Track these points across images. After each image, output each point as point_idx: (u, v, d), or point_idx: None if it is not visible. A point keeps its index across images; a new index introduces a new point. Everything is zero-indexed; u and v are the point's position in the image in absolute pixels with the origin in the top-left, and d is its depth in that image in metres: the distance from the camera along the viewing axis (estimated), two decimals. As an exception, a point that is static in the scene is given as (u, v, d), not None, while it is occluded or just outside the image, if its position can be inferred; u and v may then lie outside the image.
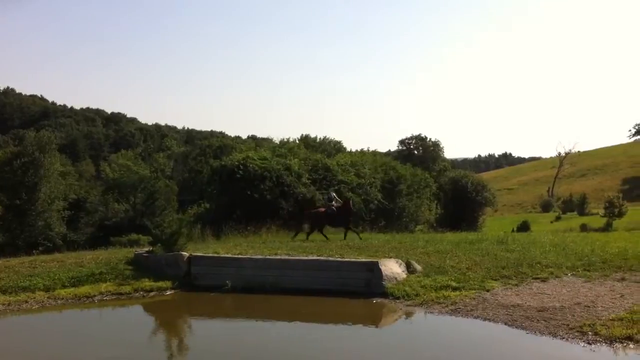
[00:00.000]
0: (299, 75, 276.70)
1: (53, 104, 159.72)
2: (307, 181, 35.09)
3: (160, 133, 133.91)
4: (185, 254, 14.59)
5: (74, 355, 9.47)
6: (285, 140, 51.24)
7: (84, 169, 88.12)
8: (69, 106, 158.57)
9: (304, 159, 38.03)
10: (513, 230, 38.73)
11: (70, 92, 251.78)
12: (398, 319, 11.31)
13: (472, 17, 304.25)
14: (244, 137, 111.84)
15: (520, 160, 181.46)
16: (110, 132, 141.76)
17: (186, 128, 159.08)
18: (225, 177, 34.46)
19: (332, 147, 68.67)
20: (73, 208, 48.14)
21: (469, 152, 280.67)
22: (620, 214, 50.45)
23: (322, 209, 20.33)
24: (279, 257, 14.37)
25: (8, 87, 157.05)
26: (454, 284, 12.20)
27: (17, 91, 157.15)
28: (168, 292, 13.54)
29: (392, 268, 13.08)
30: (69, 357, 9.43)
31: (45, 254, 21.06)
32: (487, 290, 11.74)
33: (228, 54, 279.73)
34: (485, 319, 10.09)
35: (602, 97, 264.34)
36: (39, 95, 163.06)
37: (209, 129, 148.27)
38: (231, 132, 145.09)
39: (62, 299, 12.86)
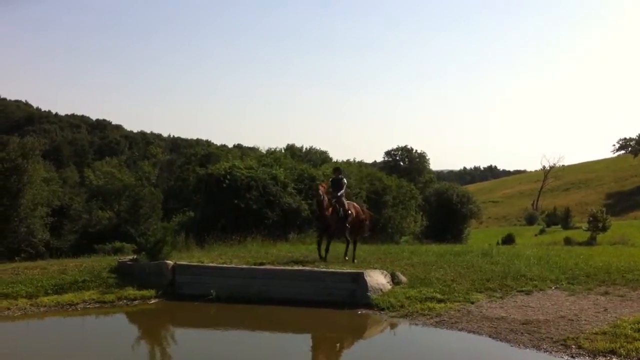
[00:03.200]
0: (286, 84, 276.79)
1: (38, 109, 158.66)
2: (292, 191, 35.12)
3: (146, 140, 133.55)
4: (170, 262, 14.51)
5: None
6: (271, 149, 51.31)
7: (68, 176, 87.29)
8: (54, 112, 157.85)
9: (289, 168, 38.10)
10: (498, 243, 38.97)
11: (55, 98, 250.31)
12: (382, 331, 11.30)
13: (458, 32, 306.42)
14: (230, 145, 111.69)
15: (506, 173, 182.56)
16: (95, 139, 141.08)
17: (172, 136, 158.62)
18: (211, 185, 34.44)
19: (318, 157, 68.89)
20: (56, 215, 47.71)
21: (455, 164, 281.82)
22: (604, 228, 50.82)
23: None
24: (263, 267, 14.33)
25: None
26: (438, 295, 12.21)
27: (2, 96, 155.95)
28: (152, 301, 13.44)
29: (377, 279, 13.08)
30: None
31: (28, 261, 20.88)
32: (472, 303, 11.76)
33: (215, 63, 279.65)
34: (469, 331, 10.09)
35: (587, 112, 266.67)
36: (24, 101, 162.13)
37: (195, 137, 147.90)
38: (217, 141, 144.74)
39: (45, 306, 12.73)
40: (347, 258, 15.69)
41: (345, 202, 15.77)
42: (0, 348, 10.30)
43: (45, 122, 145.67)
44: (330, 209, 15.22)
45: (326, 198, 15.24)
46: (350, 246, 15.97)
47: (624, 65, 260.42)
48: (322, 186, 15.66)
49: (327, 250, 15.44)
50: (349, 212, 15.61)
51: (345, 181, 16.24)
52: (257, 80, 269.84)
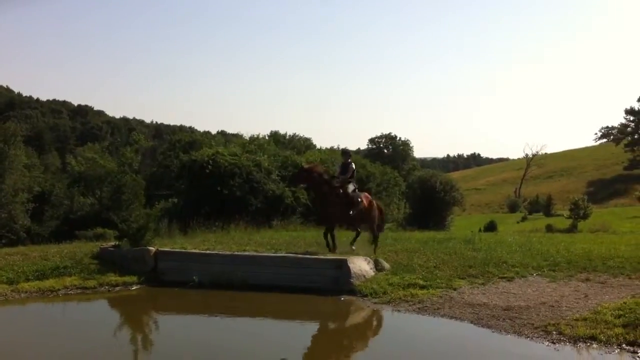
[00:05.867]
0: (270, 71, 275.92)
1: (19, 95, 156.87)
2: (276, 178, 35.08)
3: (128, 127, 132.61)
4: (152, 249, 14.44)
5: (36, 349, 9.31)
6: (255, 136, 51.14)
7: (49, 162, 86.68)
8: (35, 97, 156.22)
9: (273, 155, 38.06)
10: (480, 230, 39.09)
11: (37, 84, 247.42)
12: (365, 317, 11.32)
13: (442, 21, 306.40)
14: (214, 132, 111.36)
15: (489, 160, 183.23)
16: (77, 124, 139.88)
17: (155, 122, 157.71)
18: (195, 172, 34.36)
19: (302, 144, 68.91)
20: (38, 201, 47.43)
21: (438, 151, 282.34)
22: (585, 216, 51.13)
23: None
24: (247, 253, 14.31)
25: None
26: (421, 282, 12.25)
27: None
28: (134, 287, 13.38)
29: (361, 266, 13.09)
30: (31, 351, 9.26)
31: (9, 247, 20.73)
32: (454, 289, 11.82)
33: (198, 49, 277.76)
34: (451, 318, 10.15)
35: (569, 101, 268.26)
36: (5, 86, 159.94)
37: (178, 124, 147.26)
38: (200, 127, 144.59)
39: (26, 292, 12.63)
40: (353, 248, 14.99)
41: (352, 187, 14.82)
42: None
43: (27, 107, 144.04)
44: (334, 192, 14.37)
45: (325, 179, 14.33)
46: (363, 237, 15.27)
47: (606, 54, 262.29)
48: (315, 167, 14.60)
49: (332, 238, 14.77)
50: (359, 199, 14.75)
51: (354, 166, 15.14)
52: (241, 67, 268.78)
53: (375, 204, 15.54)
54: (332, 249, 14.55)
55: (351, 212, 14.52)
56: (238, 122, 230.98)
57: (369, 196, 15.66)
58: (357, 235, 15.42)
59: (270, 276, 13.14)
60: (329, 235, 14.70)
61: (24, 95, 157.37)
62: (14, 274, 13.47)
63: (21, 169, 46.67)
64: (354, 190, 14.77)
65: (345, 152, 15.89)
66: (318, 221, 15.22)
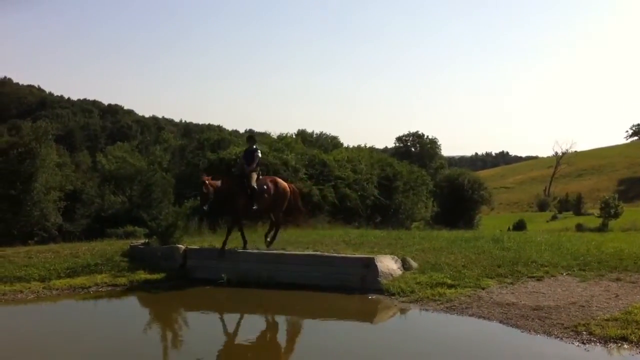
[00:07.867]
0: (297, 70, 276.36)
1: (50, 94, 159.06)
2: (303, 176, 35.14)
3: (157, 126, 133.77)
4: (182, 246, 14.60)
5: (68, 347, 9.44)
6: (282, 135, 51.22)
7: (80, 160, 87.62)
8: (66, 97, 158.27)
9: (300, 153, 38.07)
10: (509, 229, 38.87)
11: (68, 83, 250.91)
12: (393, 316, 11.30)
13: (471, 17, 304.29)
14: (241, 131, 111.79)
15: (517, 159, 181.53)
16: (107, 123, 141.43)
17: (183, 121, 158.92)
18: (222, 171, 34.52)
19: (329, 143, 68.93)
20: (69, 199, 47.93)
21: (466, 150, 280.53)
22: (616, 215, 50.54)
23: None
24: (274, 251, 14.36)
25: (5, 77, 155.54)
26: (449, 281, 12.18)
27: (15, 81, 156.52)
28: (163, 285, 13.51)
29: (388, 264, 13.07)
30: (64, 348, 9.39)
31: (41, 244, 21.06)
32: (483, 288, 11.73)
33: (226, 49, 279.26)
34: (480, 317, 10.08)
35: (600, 98, 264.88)
36: (36, 86, 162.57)
37: (206, 123, 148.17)
38: (228, 126, 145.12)
39: (58, 289, 12.85)
40: (268, 239, 14.84)
41: (255, 176, 14.16)
42: (15, 331, 10.43)
43: (58, 106, 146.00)
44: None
45: (212, 189, 13.67)
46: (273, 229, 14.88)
47: (638, 50, 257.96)
48: (208, 181, 13.85)
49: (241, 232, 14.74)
50: (264, 186, 14.20)
51: (260, 153, 14.53)
52: (268, 67, 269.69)
53: (285, 189, 14.76)
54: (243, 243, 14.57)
55: (255, 207, 14.18)
56: (266, 121, 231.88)
57: (279, 180, 14.97)
58: (275, 231, 14.94)
59: (298, 274, 13.17)
60: (240, 230, 14.73)
61: (55, 94, 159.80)
62: (46, 271, 13.72)
63: (53, 167, 47.18)
64: (257, 179, 14.17)
65: (250, 138, 15.42)
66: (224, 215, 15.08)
